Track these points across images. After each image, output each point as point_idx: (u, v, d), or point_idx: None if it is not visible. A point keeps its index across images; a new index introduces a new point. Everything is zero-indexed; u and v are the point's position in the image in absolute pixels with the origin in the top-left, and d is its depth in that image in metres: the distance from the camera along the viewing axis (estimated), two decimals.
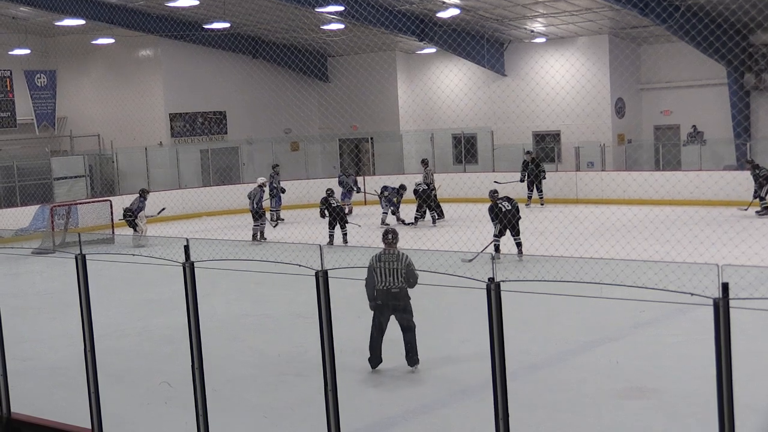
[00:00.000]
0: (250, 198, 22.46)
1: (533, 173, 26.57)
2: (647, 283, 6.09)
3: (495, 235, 17.44)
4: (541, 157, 26.75)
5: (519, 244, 17.39)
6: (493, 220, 17.62)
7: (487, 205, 18.09)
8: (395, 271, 10.07)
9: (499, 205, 17.60)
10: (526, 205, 26.05)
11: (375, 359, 10.30)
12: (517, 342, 8.90)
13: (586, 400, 9.24)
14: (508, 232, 17.44)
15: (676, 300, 5.18)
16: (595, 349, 11.30)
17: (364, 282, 10.15)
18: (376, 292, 10.12)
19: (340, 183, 27.18)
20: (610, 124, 30.02)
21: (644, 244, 17.73)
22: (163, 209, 23.86)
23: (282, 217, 26.25)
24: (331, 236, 20.82)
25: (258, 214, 22.08)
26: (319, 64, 34.45)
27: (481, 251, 16.79)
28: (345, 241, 20.72)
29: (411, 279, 10.12)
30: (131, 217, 23.10)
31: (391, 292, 10.07)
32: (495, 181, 24.43)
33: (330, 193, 21.71)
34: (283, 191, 26.58)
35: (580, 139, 29.67)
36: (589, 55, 29.94)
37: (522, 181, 26.53)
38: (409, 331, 10.21)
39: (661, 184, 24.96)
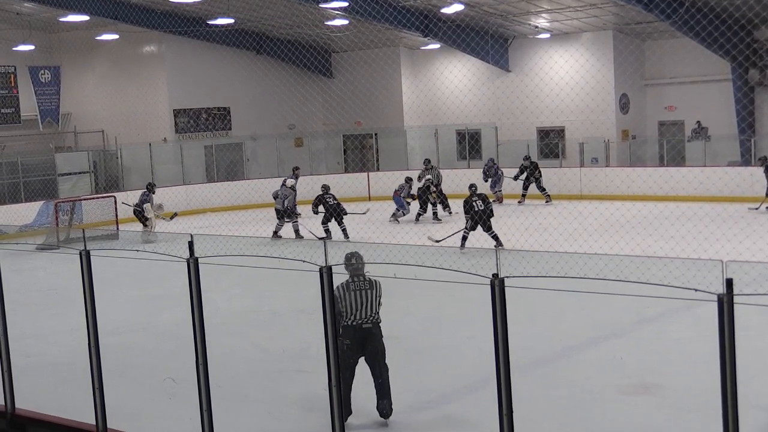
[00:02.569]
0: (278, 197, 22.22)
1: (531, 175, 26.50)
2: (651, 279, 6.09)
3: (465, 228, 18.30)
4: (535, 164, 26.73)
5: (494, 237, 18.15)
6: (465, 214, 18.39)
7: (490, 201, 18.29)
8: (368, 301, 8.40)
9: (472, 202, 18.28)
10: (519, 202, 26.18)
11: (345, 411, 8.08)
12: (521, 338, 8.89)
13: (590, 396, 9.24)
14: (480, 228, 18.20)
15: (680, 296, 5.17)
16: (599, 344, 11.30)
17: None
18: (343, 329, 8.31)
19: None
20: (614, 120, 29.99)
21: (648, 240, 17.71)
22: (175, 214, 23.82)
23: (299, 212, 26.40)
24: (327, 231, 20.81)
25: (290, 214, 21.87)
26: (323, 59, 34.45)
27: (451, 235, 18.20)
28: (346, 236, 20.68)
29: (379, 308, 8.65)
30: (140, 210, 23.16)
31: (362, 329, 8.39)
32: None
33: (326, 189, 21.64)
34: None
35: (584, 135, 29.65)
36: (593, 51, 29.91)
37: (516, 179, 26.48)
38: (383, 384, 8.53)
39: (665, 180, 24.92)
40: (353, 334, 8.37)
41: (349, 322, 8.36)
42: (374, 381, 8.54)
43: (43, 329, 13.54)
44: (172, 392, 9.90)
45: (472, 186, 18.94)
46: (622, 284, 6.00)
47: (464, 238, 18.11)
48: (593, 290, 7.57)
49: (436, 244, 16.00)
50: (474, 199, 18.32)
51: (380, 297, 8.50)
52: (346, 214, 21.13)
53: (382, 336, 8.52)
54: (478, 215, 18.05)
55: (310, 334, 11.19)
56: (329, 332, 6.39)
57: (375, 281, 8.47)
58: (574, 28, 29.71)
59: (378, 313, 8.46)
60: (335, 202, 21.19)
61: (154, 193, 23.58)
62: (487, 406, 6.62)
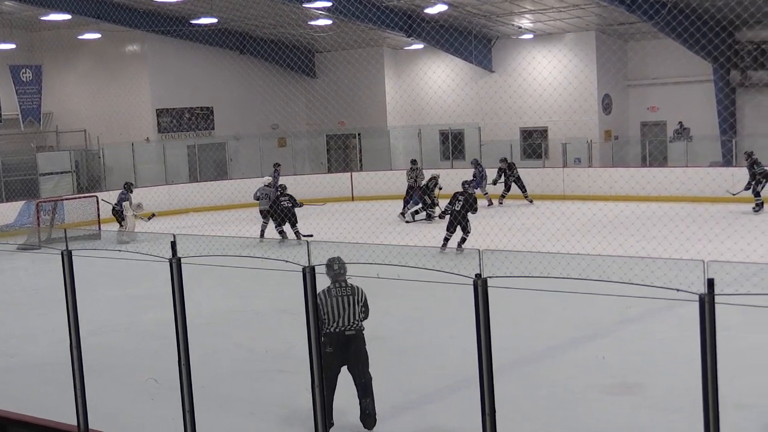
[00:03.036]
0: (258, 198, 22.09)
1: (510, 178, 26.59)
2: (634, 279, 6.10)
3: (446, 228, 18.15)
4: (511, 164, 26.85)
5: (462, 240, 18.05)
6: (447, 204, 18.50)
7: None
8: (350, 307, 8.23)
9: (458, 197, 18.24)
10: (500, 202, 26.31)
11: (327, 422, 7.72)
12: (504, 338, 8.90)
13: (573, 396, 9.27)
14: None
15: (662, 296, 5.19)
16: (582, 344, 11.33)
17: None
18: (325, 336, 8.13)
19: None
20: (597, 121, 30.09)
21: (631, 240, 17.78)
22: (154, 215, 23.68)
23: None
24: (282, 233, 20.71)
25: (273, 214, 21.27)
26: (306, 59, 34.44)
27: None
28: (299, 237, 20.58)
29: (366, 314, 8.46)
30: (119, 209, 23.09)
31: (345, 336, 8.22)
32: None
33: (282, 190, 21.49)
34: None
35: (567, 135, 29.75)
36: (577, 52, 30.01)
37: (495, 184, 26.54)
38: (366, 384, 8.33)
39: (648, 180, 25.02)
40: (336, 341, 8.19)
41: (332, 329, 8.18)
42: (356, 385, 8.34)
43: (25, 329, 13.47)
44: (154, 392, 9.88)
45: (465, 183, 18.94)
46: (605, 284, 6.02)
47: (445, 240, 18.03)
48: (576, 290, 7.60)
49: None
50: (459, 195, 18.27)
51: (363, 303, 8.33)
52: (296, 221, 20.94)
53: (365, 344, 8.36)
54: (453, 214, 18.06)
55: (293, 335, 11.20)
56: (312, 333, 6.39)
57: (357, 287, 8.31)
58: (557, 29, 29.80)
59: (360, 320, 8.30)
60: (289, 204, 20.99)
61: (131, 192, 23.49)
62: (469, 406, 6.63)
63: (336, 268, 8.28)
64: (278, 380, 10.32)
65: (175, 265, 7.00)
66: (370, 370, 8.40)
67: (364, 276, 8.38)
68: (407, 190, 25.37)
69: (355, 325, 8.24)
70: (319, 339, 6.44)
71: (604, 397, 9.16)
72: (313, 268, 6.38)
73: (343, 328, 8.19)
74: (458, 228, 18.07)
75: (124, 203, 23.08)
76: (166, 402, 9.00)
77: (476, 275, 5.70)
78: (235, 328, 13.09)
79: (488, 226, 20.02)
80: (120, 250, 13.79)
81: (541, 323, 12.18)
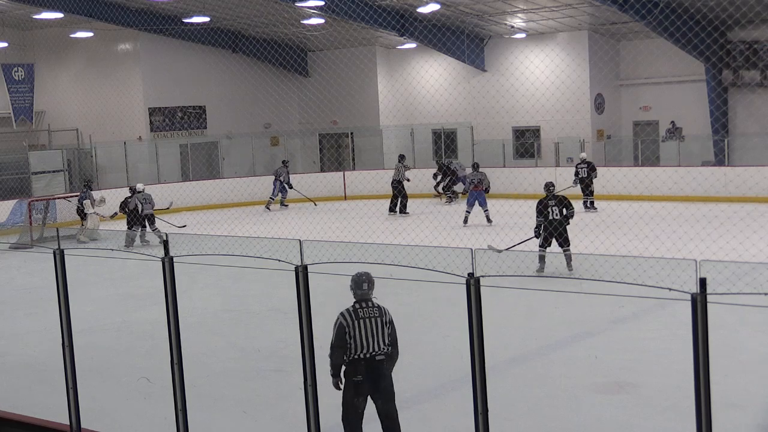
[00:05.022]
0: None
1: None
2: (626, 279, 6.12)
3: (539, 244, 15.45)
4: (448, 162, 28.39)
5: (566, 255, 15.21)
6: (537, 217, 15.68)
7: (464, 200, 18.14)
8: (378, 330, 7.42)
9: (548, 204, 15.58)
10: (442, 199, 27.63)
11: None
12: (496, 337, 8.92)
13: (565, 395, 9.28)
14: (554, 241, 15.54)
15: (654, 295, 5.20)
16: (574, 343, 11.35)
17: (331, 346, 7.44)
18: (350, 364, 7.42)
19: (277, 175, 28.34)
20: (590, 120, 30.12)
21: (623, 240, 17.79)
22: (116, 214, 23.54)
23: (286, 203, 28.17)
24: (130, 237, 20.90)
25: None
26: (299, 58, 34.41)
27: (519, 242, 16.95)
28: (142, 242, 20.84)
29: (395, 343, 7.61)
30: (81, 208, 23.11)
31: (376, 362, 7.41)
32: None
33: (133, 191, 22.06)
34: (290, 186, 28.06)
35: (559, 135, 29.79)
36: (569, 51, 30.04)
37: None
38: (391, 417, 7.59)
39: (640, 179, 25.06)
40: (365, 369, 7.40)
41: (360, 355, 7.37)
42: (382, 424, 7.59)
43: (16, 329, 13.44)
44: (147, 392, 9.86)
45: (549, 186, 16.19)
46: (597, 283, 6.03)
47: (541, 258, 15.27)
48: (568, 289, 7.61)
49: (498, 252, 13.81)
50: (551, 202, 15.58)
51: (392, 324, 7.58)
52: (153, 222, 21.39)
53: (391, 370, 7.64)
54: (554, 224, 15.40)
55: (286, 333, 11.19)
56: (305, 331, 6.39)
57: (383, 307, 7.57)
58: (549, 28, 29.82)
59: (388, 344, 7.50)
60: (147, 212, 21.46)
61: (92, 189, 23.56)
62: (462, 406, 6.63)
63: (365, 287, 7.58)
64: (272, 379, 10.31)
65: (168, 264, 7.00)
66: None
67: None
68: (392, 185, 25.43)
69: (383, 349, 7.44)
70: (311, 338, 6.43)
71: (596, 396, 9.17)
72: (305, 267, 6.38)
73: (373, 353, 7.39)
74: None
75: (84, 201, 23.05)
76: (158, 401, 8.99)
77: (469, 274, 5.71)
78: (227, 327, 13.07)
79: (480, 224, 20.03)
80: (116, 249, 13.76)
81: (534, 322, 12.18)
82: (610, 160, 29.19)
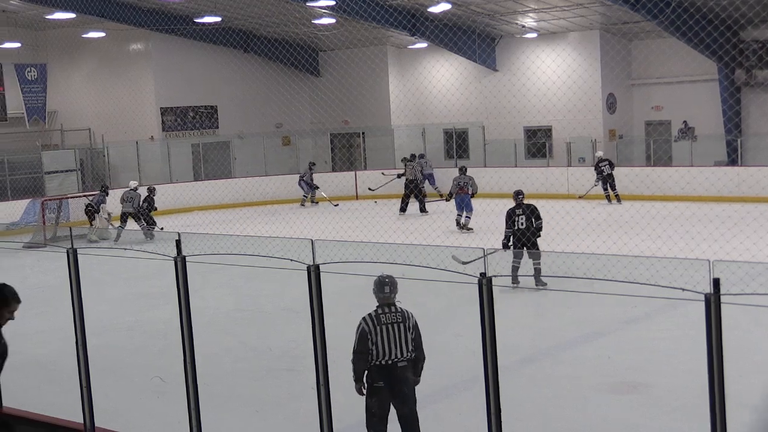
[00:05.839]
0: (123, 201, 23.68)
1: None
2: (638, 279, 6.10)
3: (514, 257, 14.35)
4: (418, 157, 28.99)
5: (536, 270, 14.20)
6: (506, 229, 14.91)
7: (477, 200, 18.07)
8: (401, 336, 7.32)
9: (516, 213, 14.88)
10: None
11: None
12: (509, 337, 8.91)
13: (577, 395, 9.27)
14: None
15: (667, 295, 5.19)
16: (585, 343, 11.33)
17: (353, 352, 7.38)
18: (372, 370, 7.35)
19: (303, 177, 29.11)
20: (602, 120, 30.06)
21: (635, 240, 17.76)
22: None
23: (317, 201, 28.91)
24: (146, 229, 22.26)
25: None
26: (310, 58, 34.42)
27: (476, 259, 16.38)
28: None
29: (421, 347, 7.51)
30: (92, 210, 23.25)
31: (398, 368, 7.33)
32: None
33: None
34: (317, 187, 28.65)
35: (571, 135, 29.72)
36: (581, 51, 29.98)
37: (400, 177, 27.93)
38: (412, 423, 7.48)
39: (652, 179, 25.01)
40: (387, 376, 7.30)
41: (382, 362, 7.28)
42: (402, 428, 7.52)
43: (29, 327, 13.47)
44: (160, 391, 9.88)
45: (517, 194, 15.29)
46: (609, 283, 6.01)
47: (514, 269, 14.31)
48: (580, 289, 7.59)
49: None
50: (518, 211, 14.86)
51: (416, 328, 7.42)
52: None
53: (419, 376, 7.60)
54: (518, 236, 14.63)
55: (298, 333, 11.19)
56: (317, 331, 6.39)
57: (406, 312, 7.43)
58: (560, 28, 29.77)
59: (412, 349, 7.38)
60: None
61: (107, 194, 23.76)
62: (475, 406, 6.63)
63: (387, 290, 7.42)
64: (284, 379, 10.32)
65: (180, 263, 7.01)
66: None
67: (370, 275, 8.36)
68: (406, 184, 25.46)
69: (406, 355, 7.33)
70: (324, 338, 6.43)
71: (608, 396, 9.15)
72: (317, 267, 6.38)
73: (396, 360, 7.29)
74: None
75: (102, 206, 23.28)
76: (171, 400, 9.01)
77: (481, 274, 5.70)
78: (240, 327, 13.10)
79: (492, 224, 20.00)
80: (129, 248, 13.79)
81: (545, 322, 12.18)
82: (622, 160, 29.12)
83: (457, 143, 32.06)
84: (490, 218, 21.52)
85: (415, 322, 7.43)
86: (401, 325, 7.33)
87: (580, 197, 25.96)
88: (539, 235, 14.83)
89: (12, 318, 6.17)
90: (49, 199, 24.46)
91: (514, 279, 14.01)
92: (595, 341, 11.36)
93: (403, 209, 25.20)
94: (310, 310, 6.39)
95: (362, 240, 18.05)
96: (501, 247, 14.53)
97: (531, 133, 31.57)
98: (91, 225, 23.10)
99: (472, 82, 32.34)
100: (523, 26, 29.76)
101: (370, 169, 31.51)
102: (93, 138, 32.44)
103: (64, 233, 21.80)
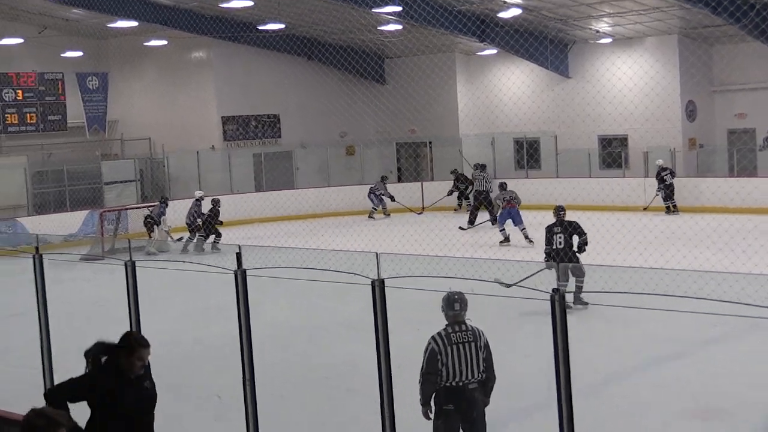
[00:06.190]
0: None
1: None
2: (721, 296, 5.97)
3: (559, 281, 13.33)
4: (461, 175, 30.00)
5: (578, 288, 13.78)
6: (546, 246, 14.83)
7: (549, 212, 17.80)
8: (473, 356, 7.13)
9: (554, 231, 14.66)
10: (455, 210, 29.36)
11: None
12: (582, 357, 8.77)
13: (654, 420, 9.09)
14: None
15: (751, 314, 5.05)
16: (662, 365, 11.14)
17: (421, 373, 7.19)
18: (443, 391, 7.14)
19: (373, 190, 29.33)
20: (681, 128, 29.63)
21: (718, 255, 17.43)
22: (181, 239, 24.06)
23: (389, 213, 29.09)
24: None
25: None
26: (375, 65, 34.47)
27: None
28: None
29: (492, 367, 7.35)
30: (151, 222, 23.51)
31: (469, 390, 7.15)
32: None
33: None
34: (392, 198, 29.12)
35: (648, 144, 29.31)
36: (658, 56, 29.59)
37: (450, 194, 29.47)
38: None
39: (736, 191, 24.53)
40: (457, 398, 7.11)
41: (453, 383, 7.08)
42: None
43: (86, 343, 13.63)
44: (218, 411, 9.91)
45: (558, 210, 15.04)
46: (688, 301, 5.88)
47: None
48: (657, 307, 7.45)
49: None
50: (557, 229, 14.63)
51: (487, 348, 7.27)
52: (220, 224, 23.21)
53: (488, 397, 7.42)
54: (558, 255, 14.32)
55: (360, 352, 11.16)
56: (381, 350, 6.33)
57: (477, 330, 7.26)
58: (637, 33, 29.44)
59: (483, 370, 7.23)
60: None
61: (167, 205, 24.02)
62: (547, 430, 6.52)
63: (457, 308, 7.23)
64: (345, 400, 10.29)
65: (240, 277, 7.02)
66: None
67: (435, 290, 8.30)
68: (475, 196, 25.35)
69: (477, 377, 7.17)
70: (388, 358, 6.37)
71: (686, 423, 8.96)
72: (382, 281, 6.34)
73: (466, 381, 7.12)
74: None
75: (163, 218, 23.53)
76: (230, 420, 9.02)
77: (553, 290, 5.61)
78: (300, 343, 13.10)
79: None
80: (187, 261, 13.89)
81: (619, 341, 11.99)
82: (703, 171, 28.66)
83: (528, 153, 31.84)
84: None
85: (487, 341, 7.25)
86: (472, 345, 7.14)
87: (644, 209, 25.94)
88: (584, 250, 14.45)
89: (145, 364, 5.96)
90: (108, 210, 24.82)
91: (549, 266, 13.56)
92: (674, 363, 11.16)
93: (471, 222, 25.05)
94: (375, 327, 6.35)
95: (428, 254, 17.99)
96: (545, 266, 13.62)
97: (606, 143, 31.24)
98: (150, 237, 23.36)
99: (544, 90, 32.12)
100: (598, 31, 29.48)
101: (437, 180, 31.45)
102: (153, 148, 32.86)
103: (123, 245, 22.08)
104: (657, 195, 25.99)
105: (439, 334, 7.17)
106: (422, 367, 7.14)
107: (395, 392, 6.40)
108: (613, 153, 30.45)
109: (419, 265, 8.37)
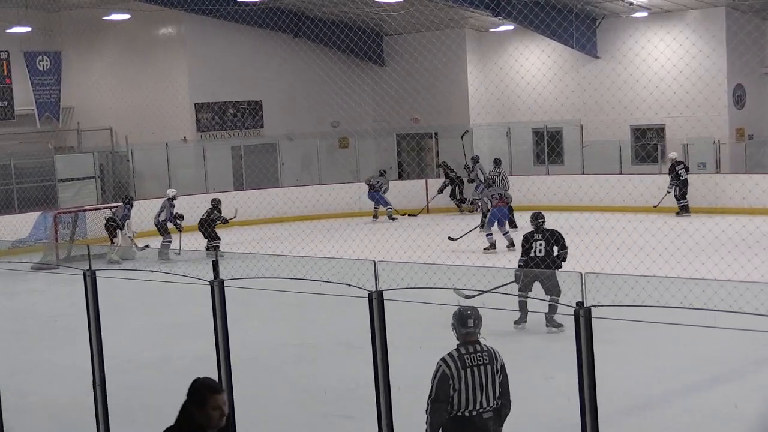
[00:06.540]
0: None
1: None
2: None
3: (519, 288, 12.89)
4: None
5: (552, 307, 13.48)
6: (521, 257, 14.91)
7: (573, 214, 17.94)
8: (488, 380, 7.10)
9: (534, 239, 14.71)
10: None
11: None
12: (610, 379, 8.84)
13: None
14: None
15: None
16: (707, 389, 11.20)
17: (430, 401, 7.11)
18: (454, 420, 7.09)
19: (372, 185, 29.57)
20: (727, 117, 29.69)
21: None
22: (147, 246, 24.02)
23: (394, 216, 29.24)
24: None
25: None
26: (373, 44, 34.50)
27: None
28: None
29: (507, 393, 7.31)
30: (114, 225, 23.51)
31: (482, 419, 7.11)
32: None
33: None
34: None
35: (688, 135, 29.37)
36: (702, 33, 29.64)
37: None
38: None
39: None
40: (470, 429, 7.09)
41: (465, 412, 7.05)
42: None
43: (39, 364, 13.70)
44: None
45: (537, 217, 15.10)
46: (737, 316, 5.94)
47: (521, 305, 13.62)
48: (699, 323, 7.50)
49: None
50: (537, 236, 14.75)
51: (503, 371, 7.24)
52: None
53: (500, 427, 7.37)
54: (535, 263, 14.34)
55: (357, 372, 11.22)
56: (380, 370, 6.40)
57: (493, 351, 7.22)
58: (677, 5, 29.50)
59: (498, 397, 7.21)
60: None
61: (132, 206, 24.04)
62: None
63: (471, 325, 7.20)
64: (341, 427, 10.35)
65: (218, 288, 7.09)
66: None
67: (441, 303, 8.36)
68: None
69: (492, 404, 7.14)
70: (387, 378, 6.44)
71: None
72: (381, 294, 6.40)
73: (480, 410, 7.08)
74: None
75: (127, 222, 23.55)
76: None
77: (577, 303, 5.68)
78: (288, 364, 13.16)
79: (592, 244, 19.86)
80: (156, 271, 13.92)
81: (656, 362, 12.05)
82: (752, 166, 28.71)
83: (549, 145, 31.90)
84: (588, 236, 21.38)
85: (503, 363, 7.23)
86: (488, 368, 7.10)
87: (654, 207, 26.40)
88: (561, 266, 14.43)
89: (225, 413, 5.71)
90: (63, 212, 24.84)
91: (521, 319, 13.54)
92: (719, 386, 11.23)
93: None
94: (372, 345, 6.42)
95: (433, 262, 18.06)
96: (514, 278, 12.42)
97: (639, 133, 31.30)
98: (112, 243, 23.39)
99: (568, 72, 32.17)
100: (631, 3, 29.54)
101: (443, 177, 31.51)
102: (115, 139, 32.89)
103: (81, 252, 22.10)
104: (669, 192, 26.41)
105: (450, 355, 7.12)
106: (430, 393, 7.07)
107: (395, 419, 6.46)
108: (647, 145, 30.51)
109: (422, 274, 8.42)
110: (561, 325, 13.31)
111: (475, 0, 27.70)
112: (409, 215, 29.40)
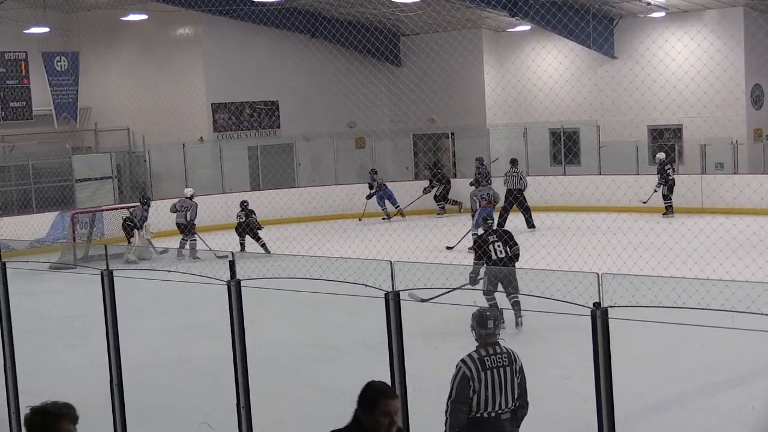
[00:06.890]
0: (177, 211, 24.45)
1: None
2: None
3: (484, 292, 13.35)
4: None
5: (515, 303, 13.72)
6: (475, 261, 14.81)
7: (590, 215, 17.91)
8: (508, 382, 7.13)
9: (489, 241, 14.75)
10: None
11: None
12: (627, 381, 8.81)
13: None
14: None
15: None
16: (725, 390, 11.16)
17: (449, 402, 7.14)
18: (473, 422, 7.11)
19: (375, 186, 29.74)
20: (745, 117, 29.59)
21: None
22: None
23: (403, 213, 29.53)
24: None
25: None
26: (390, 44, 34.44)
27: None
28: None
29: (525, 394, 7.35)
30: (131, 225, 23.55)
31: (500, 421, 7.15)
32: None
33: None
34: (368, 197, 29.44)
35: (706, 135, 29.27)
36: (720, 33, 29.54)
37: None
38: None
39: None
40: (487, 429, 7.12)
41: (484, 414, 7.08)
42: None
43: (56, 363, 13.74)
44: None
45: (487, 219, 16.04)
46: (755, 317, 5.92)
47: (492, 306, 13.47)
48: (717, 324, 7.48)
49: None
50: (491, 238, 14.80)
51: (522, 373, 7.27)
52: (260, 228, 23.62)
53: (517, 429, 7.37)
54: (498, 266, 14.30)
55: (374, 373, 11.21)
56: (396, 370, 6.40)
57: (512, 352, 7.25)
58: (695, 5, 29.41)
59: (522, 397, 7.27)
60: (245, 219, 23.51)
61: (149, 206, 24.12)
62: None
63: (491, 326, 7.25)
64: None
65: (234, 288, 7.09)
66: None
67: (456, 303, 8.35)
68: (506, 196, 25.33)
69: (510, 406, 7.17)
70: (404, 379, 6.43)
71: None
72: (397, 294, 6.40)
73: (500, 411, 7.12)
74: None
75: (145, 224, 23.60)
76: None
77: (594, 304, 5.66)
78: (304, 364, 13.17)
79: (609, 244, 19.81)
80: (173, 271, 13.96)
81: (674, 364, 12.02)
82: None
83: (566, 146, 31.82)
84: (605, 236, 21.33)
85: (521, 364, 7.24)
86: (508, 369, 7.12)
87: (643, 203, 26.69)
88: (515, 263, 14.72)
89: (396, 423, 5.41)
90: (81, 212, 24.90)
91: (473, 280, 13.03)
92: (738, 388, 11.18)
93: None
94: (388, 346, 6.41)
95: (450, 263, 18.04)
96: (469, 282, 12.50)
97: (657, 134, 31.22)
98: (129, 242, 23.44)
99: (585, 72, 32.11)
100: (649, 3, 29.48)
101: (461, 177, 31.46)
102: (132, 140, 32.97)
103: (98, 252, 22.15)
104: (656, 191, 26.65)
105: (470, 356, 7.14)
106: (450, 394, 7.09)
107: (411, 419, 6.45)
108: (665, 146, 30.42)
109: (439, 275, 8.41)
110: (520, 323, 13.63)
111: (492, 0, 27.66)
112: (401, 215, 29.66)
